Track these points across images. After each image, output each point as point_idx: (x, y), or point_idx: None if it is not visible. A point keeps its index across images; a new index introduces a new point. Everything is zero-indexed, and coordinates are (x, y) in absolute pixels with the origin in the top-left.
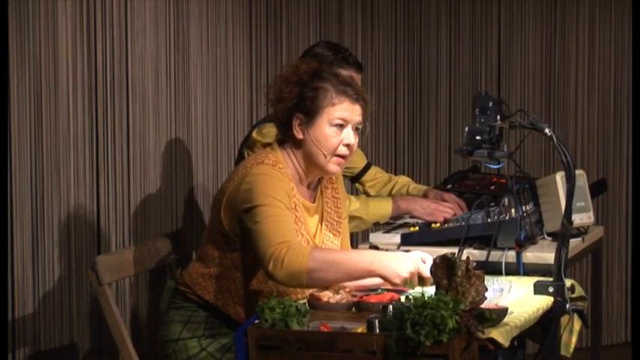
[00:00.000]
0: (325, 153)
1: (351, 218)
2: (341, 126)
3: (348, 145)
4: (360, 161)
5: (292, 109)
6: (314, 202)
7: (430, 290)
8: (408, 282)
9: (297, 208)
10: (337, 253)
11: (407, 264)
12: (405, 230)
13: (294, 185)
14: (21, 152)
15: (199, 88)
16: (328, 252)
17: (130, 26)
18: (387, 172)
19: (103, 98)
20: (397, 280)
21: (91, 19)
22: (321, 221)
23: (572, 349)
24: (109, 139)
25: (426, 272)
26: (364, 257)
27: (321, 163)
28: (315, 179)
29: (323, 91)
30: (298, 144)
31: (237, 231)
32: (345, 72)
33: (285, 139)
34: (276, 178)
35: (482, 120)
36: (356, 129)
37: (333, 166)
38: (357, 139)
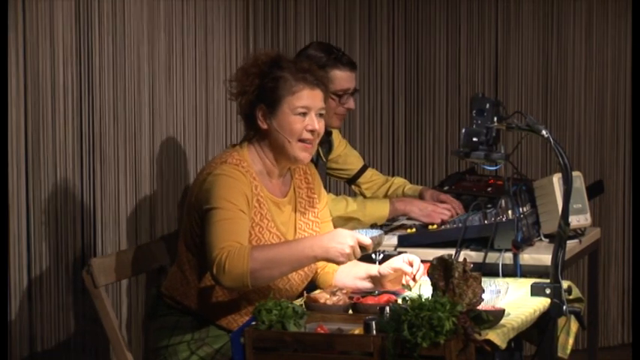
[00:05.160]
0: (289, 139)
1: (348, 220)
2: (304, 113)
3: (312, 131)
4: (356, 163)
5: (254, 101)
6: (285, 196)
7: (427, 292)
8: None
9: (261, 205)
10: (277, 248)
11: (345, 240)
12: (402, 232)
13: (258, 183)
14: (16, 154)
15: (196, 89)
16: (269, 249)
17: (127, 26)
18: (385, 173)
19: (100, 99)
20: (342, 259)
21: (88, 18)
22: (295, 218)
23: (569, 351)
24: (104, 141)
25: (366, 240)
26: (303, 246)
27: (287, 150)
28: (285, 170)
29: (282, 81)
30: (264, 135)
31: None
32: (339, 72)
33: (251, 133)
34: (236, 179)
35: (480, 122)
36: (320, 115)
37: (300, 152)
38: (322, 124)
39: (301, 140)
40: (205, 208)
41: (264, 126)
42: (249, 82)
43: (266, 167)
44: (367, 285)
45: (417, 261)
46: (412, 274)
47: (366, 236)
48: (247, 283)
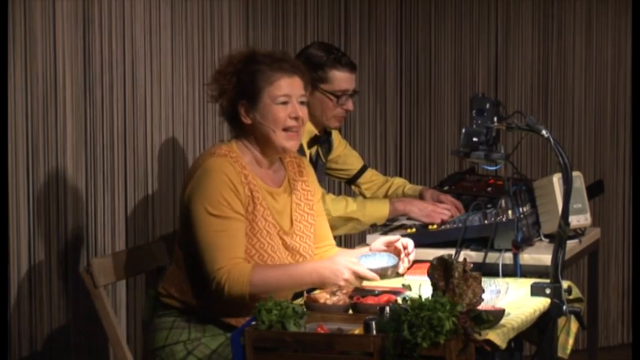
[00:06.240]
0: (274, 129)
1: (348, 220)
2: (285, 102)
3: (295, 118)
4: (356, 163)
5: (235, 98)
6: (279, 187)
7: (427, 292)
8: (386, 275)
9: (254, 193)
10: (277, 273)
11: (340, 272)
12: (402, 232)
13: (248, 172)
14: (16, 153)
15: (196, 88)
16: (269, 273)
17: (128, 27)
18: (385, 174)
19: (101, 99)
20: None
21: (89, 20)
22: (290, 209)
23: (569, 351)
24: (105, 141)
25: (364, 272)
26: (302, 273)
27: (272, 140)
28: (274, 160)
29: (260, 73)
30: (249, 131)
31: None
32: (338, 72)
33: (237, 132)
34: (225, 172)
35: (480, 122)
36: (301, 102)
37: (286, 142)
38: (305, 111)
39: (285, 129)
40: (199, 207)
41: (248, 121)
42: (227, 80)
43: (255, 158)
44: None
45: (411, 244)
46: (406, 252)
47: (365, 268)
48: (247, 303)
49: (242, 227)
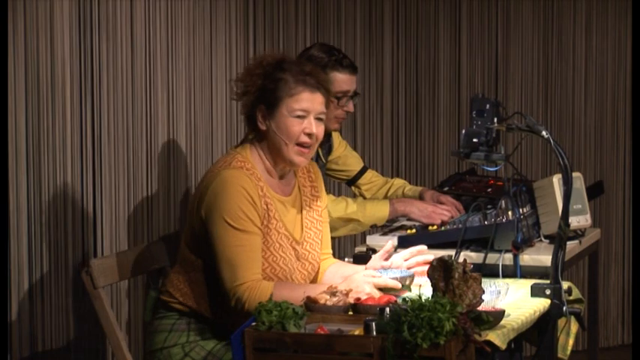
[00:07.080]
0: (287, 142)
1: (348, 221)
2: (302, 116)
3: (309, 135)
4: (356, 164)
5: (255, 102)
6: (289, 195)
7: (427, 292)
8: (405, 284)
9: (269, 206)
10: (298, 293)
11: (361, 288)
12: (402, 232)
13: (263, 184)
14: (17, 155)
15: (196, 90)
16: (288, 294)
17: (127, 28)
18: (385, 175)
19: (100, 100)
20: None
21: (88, 19)
22: (301, 217)
23: (569, 352)
24: (104, 142)
25: (385, 281)
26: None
27: (284, 152)
28: (285, 171)
29: (283, 82)
30: (263, 137)
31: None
32: (339, 74)
33: (252, 133)
34: (243, 186)
35: (480, 122)
36: (319, 119)
37: (296, 157)
38: (321, 129)
39: (299, 144)
40: (218, 220)
41: (263, 127)
42: (252, 82)
43: (266, 168)
44: None
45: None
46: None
47: (386, 278)
48: None
49: (260, 242)
